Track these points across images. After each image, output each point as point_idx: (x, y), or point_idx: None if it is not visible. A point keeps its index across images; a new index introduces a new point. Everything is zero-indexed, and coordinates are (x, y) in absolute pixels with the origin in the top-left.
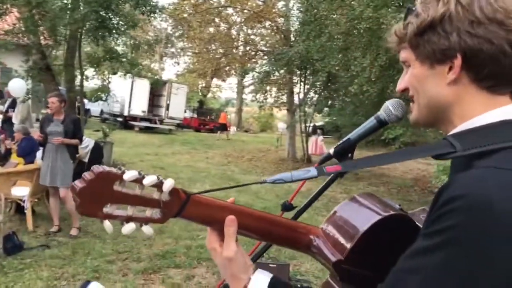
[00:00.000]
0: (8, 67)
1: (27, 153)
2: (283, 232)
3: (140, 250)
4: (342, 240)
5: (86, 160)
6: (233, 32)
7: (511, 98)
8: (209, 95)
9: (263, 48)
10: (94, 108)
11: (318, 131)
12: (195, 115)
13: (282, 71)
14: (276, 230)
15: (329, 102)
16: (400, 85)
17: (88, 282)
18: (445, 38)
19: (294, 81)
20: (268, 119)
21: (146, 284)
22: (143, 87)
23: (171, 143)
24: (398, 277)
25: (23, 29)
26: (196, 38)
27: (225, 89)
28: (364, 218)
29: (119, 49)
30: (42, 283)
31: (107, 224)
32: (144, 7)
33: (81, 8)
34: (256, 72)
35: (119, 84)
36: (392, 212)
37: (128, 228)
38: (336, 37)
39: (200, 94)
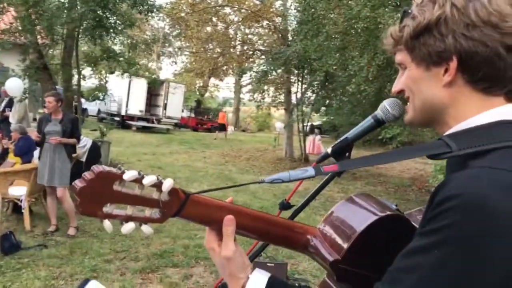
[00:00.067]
0: (5, 66)
1: (24, 153)
2: (280, 232)
3: (138, 250)
4: (339, 240)
5: (83, 159)
6: (231, 31)
7: (505, 99)
8: (207, 94)
9: (261, 47)
10: (91, 107)
11: (316, 130)
12: (193, 115)
13: (279, 70)
14: (274, 230)
15: (327, 101)
16: (396, 86)
17: (87, 280)
18: (441, 41)
19: (291, 80)
20: (265, 118)
21: (144, 283)
22: (140, 86)
23: (168, 143)
24: (395, 276)
25: (20, 28)
26: (193, 37)
27: (222, 89)
28: (361, 218)
29: (117, 48)
30: (39, 283)
31: (107, 223)
32: (141, 6)
33: (78, 7)
34: (253, 71)
35: (117, 83)
36: (388, 213)
37: (128, 227)
38: (333, 36)
39: (197, 93)
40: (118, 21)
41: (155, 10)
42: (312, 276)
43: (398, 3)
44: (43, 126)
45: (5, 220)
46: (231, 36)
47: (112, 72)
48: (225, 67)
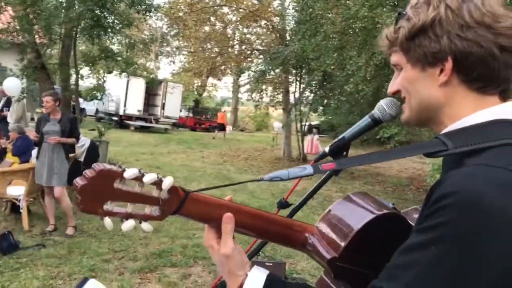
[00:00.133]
0: (2, 66)
1: (22, 152)
2: (279, 230)
3: (136, 249)
4: (336, 238)
5: (81, 159)
6: (229, 31)
7: (499, 99)
8: (205, 94)
9: (259, 47)
10: (89, 107)
11: (314, 130)
12: (191, 114)
13: (277, 70)
14: (272, 228)
15: (325, 101)
16: (392, 87)
17: (86, 279)
18: (436, 42)
19: (289, 80)
20: (263, 118)
21: (143, 283)
22: (138, 86)
23: (166, 142)
24: (392, 272)
25: (17, 27)
26: (191, 37)
27: (220, 88)
28: (358, 216)
29: (115, 48)
30: (38, 283)
31: (107, 221)
32: (139, 6)
33: (76, 6)
34: (251, 71)
35: (115, 83)
36: (385, 211)
37: (128, 225)
38: (331, 36)
39: (195, 93)
40: (116, 21)
41: (153, 9)
42: (310, 276)
43: (396, 3)
44: (41, 125)
45: (3, 220)
46: (229, 35)
47: (110, 72)
48: (223, 67)
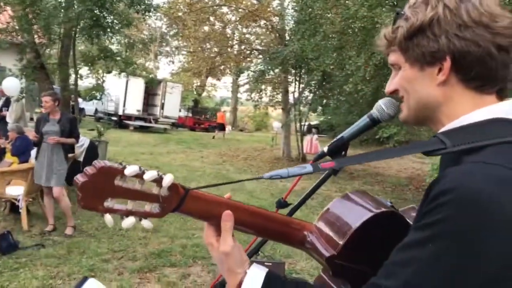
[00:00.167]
0: (2, 66)
1: (21, 152)
2: (278, 228)
3: (135, 249)
4: (335, 236)
5: (81, 159)
6: (228, 31)
7: (497, 97)
8: (204, 94)
9: (258, 47)
10: (89, 107)
11: (313, 130)
12: (190, 114)
13: (277, 70)
14: (272, 226)
15: (324, 101)
16: (390, 87)
17: (85, 278)
18: (434, 41)
19: (289, 80)
20: (263, 118)
21: (142, 282)
22: (137, 86)
23: (166, 142)
24: (390, 269)
25: (17, 27)
26: (191, 37)
27: (220, 88)
28: (356, 215)
29: (114, 47)
30: (37, 282)
31: (108, 218)
32: (138, 6)
33: (75, 6)
34: (251, 71)
35: (114, 83)
36: (383, 209)
37: (128, 222)
38: (331, 36)
39: (195, 93)
40: (115, 21)
41: (152, 9)
42: (310, 276)
43: (395, 3)
44: (40, 126)
45: (2, 220)
46: (228, 35)
47: (109, 72)
48: (222, 67)
